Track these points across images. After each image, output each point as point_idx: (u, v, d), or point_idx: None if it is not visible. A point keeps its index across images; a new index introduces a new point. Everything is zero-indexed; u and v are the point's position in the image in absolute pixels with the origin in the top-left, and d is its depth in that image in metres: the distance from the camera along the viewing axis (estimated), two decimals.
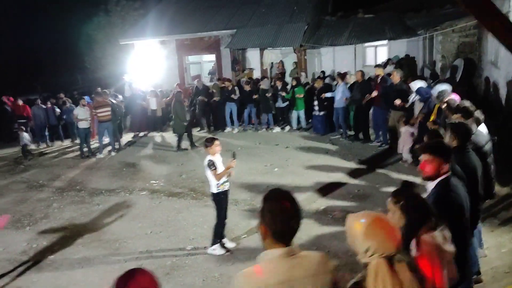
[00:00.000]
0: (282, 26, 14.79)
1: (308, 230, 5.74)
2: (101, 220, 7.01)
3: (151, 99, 13.42)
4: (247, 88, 12.52)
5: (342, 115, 10.78)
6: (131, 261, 5.48)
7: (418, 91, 7.90)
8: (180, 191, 8.10)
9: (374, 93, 9.62)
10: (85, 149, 11.47)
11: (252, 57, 16.51)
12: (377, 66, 10.35)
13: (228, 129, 12.98)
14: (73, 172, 10.15)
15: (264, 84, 12.51)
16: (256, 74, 15.56)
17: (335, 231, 5.81)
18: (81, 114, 11.29)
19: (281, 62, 15.67)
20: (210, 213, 5.94)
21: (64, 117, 13.61)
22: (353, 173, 8.20)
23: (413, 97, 8.42)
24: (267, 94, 12.24)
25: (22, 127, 12.12)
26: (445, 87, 6.90)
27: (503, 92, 8.95)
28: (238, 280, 1.88)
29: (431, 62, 14.22)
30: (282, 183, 7.66)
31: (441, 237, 2.37)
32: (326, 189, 7.45)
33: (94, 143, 12.17)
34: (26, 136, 11.82)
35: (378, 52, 16.56)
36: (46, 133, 13.47)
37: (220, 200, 5.45)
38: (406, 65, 13.45)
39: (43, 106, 13.48)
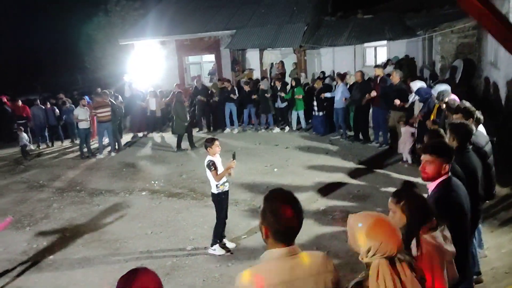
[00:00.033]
0: (281, 27, 14.79)
1: (308, 230, 5.74)
2: (101, 220, 7.01)
3: (151, 100, 13.42)
4: (247, 88, 12.52)
5: (342, 115, 10.79)
6: (131, 261, 5.49)
7: (418, 91, 7.91)
8: (180, 191, 8.10)
9: (373, 94, 9.63)
10: (85, 150, 11.47)
11: (252, 57, 16.51)
12: (376, 66, 10.36)
13: (227, 129, 12.98)
14: (73, 172, 10.15)
15: (264, 85, 12.52)
16: (256, 75, 15.56)
17: (335, 231, 5.82)
18: (81, 115, 11.28)
19: (281, 63, 15.66)
20: (210, 214, 5.95)
21: (64, 117, 13.60)
22: (353, 174, 8.21)
23: (412, 97, 8.43)
24: (266, 95, 12.25)
25: (21, 127, 12.12)
26: (445, 87, 6.91)
27: (502, 92, 8.96)
28: (241, 280, 1.88)
29: (431, 63, 14.24)
30: (282, 183, 7.65)
31: (441, 237, 2.38)
32: (326, 190, 7.46)
33: (94, 144, 12.18)
34: (25, 137, 11.81)
35: (377, 53, 16.59)
36: (46, 134, 13.46)
37: (221, 200, 5.45)
38: (406, 65, 13.47)
39: (42, 107, 13.47)
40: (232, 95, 12.56)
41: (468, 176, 3.43)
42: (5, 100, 14.45)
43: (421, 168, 3.05)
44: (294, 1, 16.09)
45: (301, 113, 12.09)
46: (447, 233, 2.43)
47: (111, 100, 11.83)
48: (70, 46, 26.26)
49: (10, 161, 11.77)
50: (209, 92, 13.24)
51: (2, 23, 27.58)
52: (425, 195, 2.83)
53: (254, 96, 12.40)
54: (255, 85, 12.80)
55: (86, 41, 24.37)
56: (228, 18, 16.29)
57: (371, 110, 10.15)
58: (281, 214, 1.86)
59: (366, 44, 15.65)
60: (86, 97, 12.97)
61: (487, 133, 4.74)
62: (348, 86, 10.84)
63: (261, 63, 16.09)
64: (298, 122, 12.37)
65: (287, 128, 12.52)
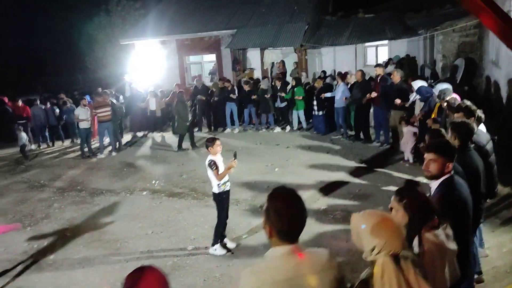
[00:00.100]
0: (282, 26, 14.78)
1: (309, 229, 5.68)
2: (101, 220, 7.00)
3: (151, 99, 13.41)
4: (246, 88, 12.50)
5: (342, 115, 10.77)
6: (131, 261, 5.47)
7: (419, 90, 7.90)
8: (180, 191, 8.09)
9: (374, 95, 9.60)
10: (86, 149, 11.46)
11: (253, 57, 16.51)
12: (377, 65, 10.35)
13: (228, 129, 12.97)
14: (73, 172, 10.14)
15: (264, 84, 12.51)
16: (257, 74, 15.56)
17: (336, 230, 5.81)
18: (82, 114, 11.28)
19: (282, 62, 15.65)
20: (211, 213, 5.94)
21: (65, 117, 13.59)
22: (354, 173, 8.19)
23: (414, 96, 8.42)
24: (266, 96, 12.23)
25: (20, 127, 12.11)
26: (446, 86, 6.90)
27: (503, 91, 8.95)
28: (246, 277, 1.87)
29: (432, 62, 14.21)
30: (283, 183, 7.61)
31: (444, 235, 2.38)
32: (327, 189, 7.45)
33: (94, 143, 12.18)
34: (24, 136, 11.80)
35: (379, 52, 16.56)
36: (47, 134, 13.47)
37: (222, 200, 5.44)
38: (407, 65, 13.45)
39: (42, 107, 13.47)
40: (232, 95, 12.55)
41: (470, 174, 3.42)
42: (6, 100, 14.46)
43: (424, 166, 3.06)
44: (295, 1, 16.08)
45: (301, 113, 12.06)
46: (450, 232, 2.43)
47: (112, 100, 11.84)
48: (71, 46, 26.31)
49: (10, 161, 11.77)
50: (209, 91, 13.24)
51: (3, 23, 27.62)
52: (427, 194, 2.83)
53: (253, 97, 12.39)
54: (255, 85, 12.79)
55: (87, 41, 24.41)
56: (229, 17, 16.29)
57: (372, 110, 10.14)
58: (284, 214, 1.86)
59: (367, 44, 15.62)
60: (87, 97, 12.95)
61: (488, 133, 4.73)
62: (349, 85, 10.82)
63: (262, 63, 16.09)
64: (299, 121, 12.36)
65: (288, 127, 12.51)
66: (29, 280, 5.31)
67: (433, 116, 7.02)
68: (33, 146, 13.10)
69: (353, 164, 8.83)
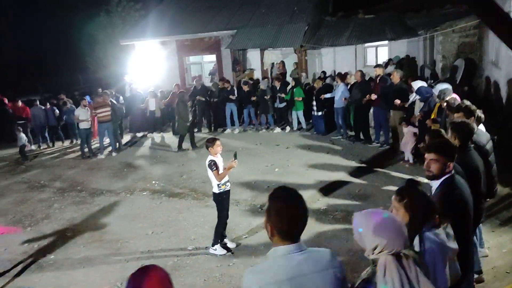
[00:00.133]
0: (282, 27, 14.79)
1: (309, 229, 5.69)
2: (102, 220, 7.01)
3: (150, 100, 13.42)
4: (245, 88, 12.51)
5: (342, 115, 10.78)
6: (132, 261, 5.48)
7: (419, 90, 7.90)
8: (181, 191, 8.10)
9: (374, 96, 9.60)
10: (86, 150, 11.47)
11: (253, 57, 16.51)
12: (377, 66, 10.35)
13: (228, 129, 12.98)
14: (74, 172, 10.15)
15: (263, 85, 12.50)
16: (257, 75, 15.56)
17: (336, 230, 5.82)
18: (82, 115, 11.29)
19: (282, 63, 15.66)
20: (211, 213, 5.95)
21: (65, 117, 13.60)
22: (354, 173, 8.20)
23: (413, 97, 8.42)
24: (266, 97, 12.22)
25: (20, 128, 12.12)
26: (446, 86, 6.91)
27: (503, 92, 8.96)
28: (248, 277, 1.88)
29: (432, 62, 14.23)
30: (283, 183, 7.59)
31: (444, 234, 2.38)
32: (327, 189, 7.46)
33: (94, 144, 12.18)
34: (23, 137, 11.81)
35: (379, 53, 16.57)
36: (46, 134, 13.47)
37: (222, 200, 5.45)
38: (407, 65, 13.47)
39: (42, 107, 13.47)
40: (231, 96, 12.56)
41: (470, 174, 3.43)
42: (6, 101, 14.47)
43: (425, 166, 3.07)
44: (295, 1, 16.09)
45: (300, 113, 12.07)
46: (450, 231, 2.43)
47: (112, 100, 11.84)
48: (71, 46, 26.32)
49: (10, 162, 11.78)
50: (209, 92, 13.24)
51: (3, 23, 27.62)
52: (428, 194, 2.83)
53: (253, 98, 12.39)
54: (254, 86, 12.78)
55: (87, 42, 24.43)
56: (229, 18, 16.30)
57: (372, 110, 10.14)
58: (285, 214, 1.86)
59: (367, 44, 15.63)
60: (87, 97, 12.95)
61: (488, 132, 4.74)
62: (348, 86, 10.83)
63: (262, 63, 16.10)
64: (299, 122, 12.36)
65: (287, 128, 12.51)
66: (29, 280, 5.32)
67: (432, 116, 7.02)
68: (33, 147, 13.11)
69: (353, 164, 8.83)
